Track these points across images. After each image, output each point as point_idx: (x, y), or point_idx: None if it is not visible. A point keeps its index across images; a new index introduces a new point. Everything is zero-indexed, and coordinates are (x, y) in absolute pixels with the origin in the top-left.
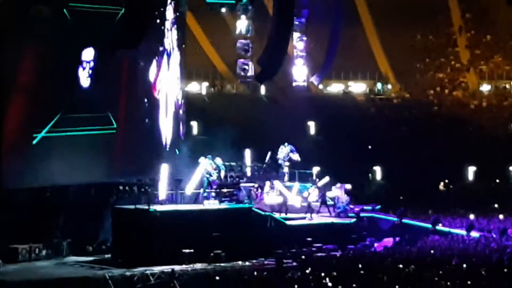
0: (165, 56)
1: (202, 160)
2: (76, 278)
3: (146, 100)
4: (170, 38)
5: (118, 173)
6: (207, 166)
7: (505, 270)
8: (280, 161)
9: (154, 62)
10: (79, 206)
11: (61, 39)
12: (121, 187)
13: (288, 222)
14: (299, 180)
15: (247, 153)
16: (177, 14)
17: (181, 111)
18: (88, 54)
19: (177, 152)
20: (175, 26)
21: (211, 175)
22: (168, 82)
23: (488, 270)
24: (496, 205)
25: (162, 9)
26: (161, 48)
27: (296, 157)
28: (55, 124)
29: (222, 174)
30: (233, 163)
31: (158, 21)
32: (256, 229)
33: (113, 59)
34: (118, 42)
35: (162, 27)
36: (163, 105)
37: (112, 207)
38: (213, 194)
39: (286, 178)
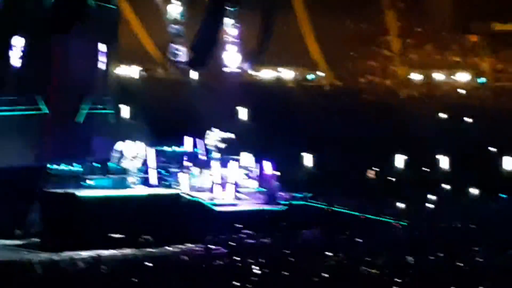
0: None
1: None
2: (2, 262)
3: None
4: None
5: (48, 157)
6: (135, 150)
7: None
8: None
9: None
10: (8, 189)
11: None
12: (50, 171)
13: (217, 208)
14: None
15: (179, 138)
16: None
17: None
18: (17, 41)
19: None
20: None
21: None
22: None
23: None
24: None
25: None
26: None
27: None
28: None
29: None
30: (163, 148)
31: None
32: (185, 215)
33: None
34: (49, 26)
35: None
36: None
37: (40, 190)
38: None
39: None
